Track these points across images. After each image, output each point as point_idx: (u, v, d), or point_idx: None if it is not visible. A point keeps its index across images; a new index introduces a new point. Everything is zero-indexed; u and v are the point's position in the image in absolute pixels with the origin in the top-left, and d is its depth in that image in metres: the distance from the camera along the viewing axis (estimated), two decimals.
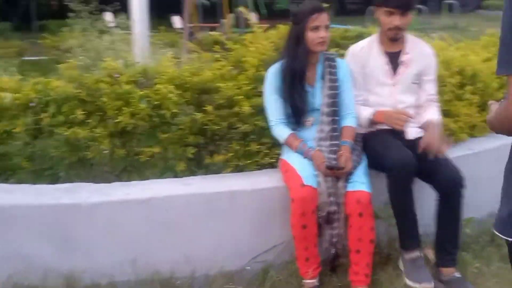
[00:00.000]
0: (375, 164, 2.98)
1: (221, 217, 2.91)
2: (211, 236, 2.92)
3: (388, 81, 3.09)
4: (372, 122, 3.09)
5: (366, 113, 3.07)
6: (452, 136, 3.44)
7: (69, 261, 2.79)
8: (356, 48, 3.17)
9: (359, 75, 3.10)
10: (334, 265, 2.99)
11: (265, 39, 3.58)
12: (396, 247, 3.09)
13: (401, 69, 3.10)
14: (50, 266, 2.76)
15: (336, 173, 2.81)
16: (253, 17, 15.63)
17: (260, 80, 3.26)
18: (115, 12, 6.27)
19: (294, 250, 2.90)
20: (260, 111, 3.15)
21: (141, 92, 3.11)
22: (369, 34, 3.44)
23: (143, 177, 3.13)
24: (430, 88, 3.16)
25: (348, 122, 3.02)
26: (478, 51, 4.26)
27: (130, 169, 3.18)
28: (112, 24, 6.48)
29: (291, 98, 2.94)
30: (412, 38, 3.18)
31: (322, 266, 2.93)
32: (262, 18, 19.17)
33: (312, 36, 2.89)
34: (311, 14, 2.88)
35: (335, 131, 2.96)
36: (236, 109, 3.13)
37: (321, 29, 2.89)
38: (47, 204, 2.77)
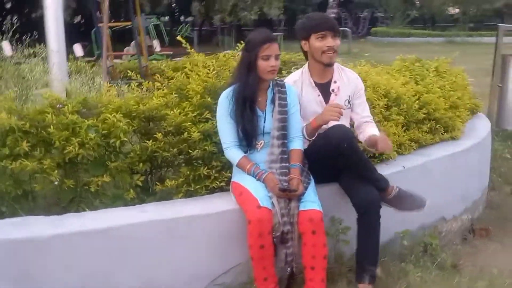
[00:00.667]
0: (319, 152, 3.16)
1: (179, 242, 2.94)
2: (171, 262, 2.93)
3: (321, 110, 3.25)
4: (312, 131, 3.22)
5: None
6: (383, 154, 3.70)
7: None
8: (289, 81, 3.33)
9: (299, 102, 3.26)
10: (289, 283, 3.09)
11: (203, 67, 3.67)
12: (343, 262, 3.26)
13: (332, 98, 3.31)
14: None
15: (289, 195, 2.94)
16: (156, 44, 15.62)
17: (204, 107, 3.36)
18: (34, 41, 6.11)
19: (251, 271, 2.98)
20: (207, 136, 3.23)
21: (89, 122, 3.09)
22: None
23: (92, 207, 3.10)
24: (362, 110, 3.40)
25: (296, 145, 3.16)
26: (394, 74, 4.59)
27: (79, 199, 3.14)
28: (9, 53, 6.32)
29: (243, 122, 3.04)
30: (338, 66, 3.41)
31: (279, 285, 3.02)
32: (164, 46, 19.28)
33: (263, 65, 3.03)
34: (263, 44, 3.02)
35: (285, 154, 3.10)
36: (185, 135, 3.17)
37: (271, 58, 3.02)
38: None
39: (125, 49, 14.77)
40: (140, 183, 3.22)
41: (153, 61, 8.38)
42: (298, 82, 3.32)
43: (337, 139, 3.06)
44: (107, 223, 2.83)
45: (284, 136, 3.10)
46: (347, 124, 3.37)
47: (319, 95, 3.32)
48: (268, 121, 3.10)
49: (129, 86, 3.85)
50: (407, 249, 3.59)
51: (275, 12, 32.74)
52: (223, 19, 30.87)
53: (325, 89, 3.33)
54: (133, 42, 16.74)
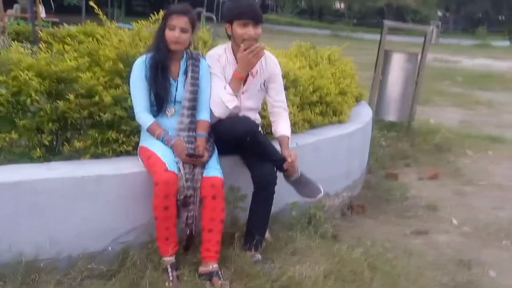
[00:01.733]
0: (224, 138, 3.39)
1: (86, 200, 3.05)
2: (76, 219, 3.03)
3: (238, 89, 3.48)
4: (237, 82, 3.41)
5: (227, 88, 3.40)
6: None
7: None
8: (214, 55, 3.48)
9: (221, 74, 3.44)
10: (188, 243, 3.31)
11: (114, 35, 3.76)
12: (238, 227, 3.53)
13: (249, 79, 3.53)
14: None
15: (195, 161, 3.15)
16: (42, 10, 15.03)
17: (116, 73, 3.46)
18: None
19: (152, 231, 3.17)
20: (118, 101, 3.35)
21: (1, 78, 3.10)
22: None
23: None
24: (276, 94, 3.63)
25: (204, 116, 3.36)
26: (292, 58, 4.91)
27: None
28: None
29: (155, 87, 3.20)
30: None
31: (178, 245, 3.23)
32: (50, 12, 18.51)
33: (168, 34, 3.21)
34: (171, 14, 3.21)
35: (193, 124, 3.30)
36: (96, 98, 3.27)
37: (176, 29, 3.20)
38: None
39: (8, 11, 14.11)
40: (47, 143, 3.28)
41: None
42: (222, 57, 3.48)
43: (241, 132, 3.33)
44: (17, 177, 2.89)
45: (193, 107, 3.29)
46: (259, 105, 3.65)
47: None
48: (180, 90, 3.27)
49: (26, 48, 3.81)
50: (295, 219, 3.92)
51: None
52: None
53: None
54: (16, 5, 16.04)
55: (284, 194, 3.60)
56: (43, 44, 3.76)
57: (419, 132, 7.53)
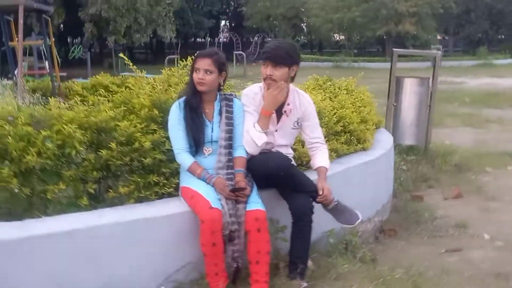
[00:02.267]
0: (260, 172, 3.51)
1: (136, 243, 3.17)
2: (129, 262, 3.16)
3: (271, 127, 3.65)
4: (265, 120, 3.54)
5: (256, 126, 3.53)
6: None
7: None
8: (250, 92, 3.66)
9: (255, 112, 3.60)
10: (236, 277, 3.41)
11: (146, 83, 3.94)
12: (281, 257, 3.63)
13: (283, 118, 3.69)
14: None
15: (238, 195, 3.27)
16: (47, 66, 15.45)
17: (151, 119, 3.62)
18: None
19: (201, 268, 3.29)
20: (156, 145, 3.50)
21: (44, 133, 3.25)
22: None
23: (45, 214, 3.26)
24: (311, 132, 3.78)
25: (240, 153, 3.52)
26: (312, 92, 5.07)
27: (36, 207, 3.29)
28: None
29: (192, 130, 3.37)
30: (293, 89, 3.75)
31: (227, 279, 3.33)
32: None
33: (194, 76, 3.41)
34: (196, 58, 3.43)
35: (231, 162, 3.44)
36: (136, 145, 3.42)
37: (200, 71, 3.39)
38: None
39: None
40: (92, 191, 3.42)
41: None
42: (259, 95, 3.65)
43: (273, 168, 3.48)
44: (71, 226, 3.02)
45: (230, 145, 3.45)
46: (292, 142, 3.83)
47: (273, 113, 3.65)
48: (215, 130, 3.43)
49: (46, 104, 3.97)
50: (332, 246, 4.02)
51: (169, 35, 33.06)
52: (117, 40, 30.67)
53: (279, 108, 3.66)
54: (23, 63, 16.43)
55: (321, 222, 3.70)
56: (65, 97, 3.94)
57: (437, 154, 7.62)
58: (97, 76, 6.63)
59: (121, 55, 4.07)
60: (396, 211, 5.41)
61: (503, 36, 46.84)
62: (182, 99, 3.42)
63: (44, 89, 7.26)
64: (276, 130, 3.68)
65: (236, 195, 3.28)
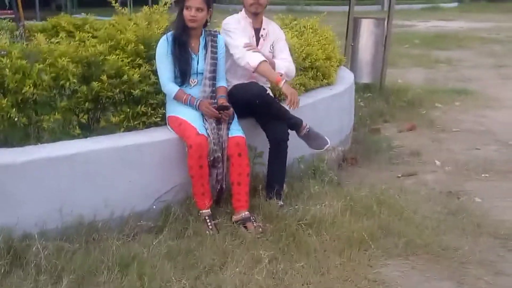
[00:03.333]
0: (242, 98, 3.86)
1: (130, 166, 3.48)
2: (123, 183, 3.46)
3: (253, 43, 4.01)
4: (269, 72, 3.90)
5: (258, 58, 3.85)
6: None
7: (2, 217, 3.09)
8: (234, 19, 4.03)
9: (244, 33, 3.97)
10: (219, 198, 3.77)
11: (127, 22, 4.16)
12: (259, 180, 3.99)
13: (261, 41, 4.06)
14: None
15: (222, 114, 3.60)
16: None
17: (137, 54, 3.86)
18: None
19: (188, 190, 3.63)
20: (144, 78, 3.75)
21: (39, 66, 3.46)
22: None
23: (41, 143, 3.51)
24: (281, 52, 4.16)
25: (222, 83, 3.85)
26: None
27: (31, 135, 3.53)
28: None
29: (179, 62, 3.64)
30: (266, 19, 4.15)
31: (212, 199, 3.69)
32: (4, 8, 18.39)
33: (185, 14, 3.65)
34: None
35: (214, 92, 3.76)
36: (125, 77, 3.66)
37: (192, 9, 3.64)
38: None
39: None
40: (84, 121, 3.67)
41: None
42: (241, 22, 4.02)
43: (250, 96, 3.81)
44: (69, 151, 3.30)
45: (214, 77, 3.76)
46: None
47: (253, 36, 4.06)
48: (200, 63, 3.72)
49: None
50: (303, 171, 4.41)
51: None
52: None
53: (256, 32, 4.07)
54: None
55: (292, 149, 4.05)
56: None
57: (391, 92, 8.10)
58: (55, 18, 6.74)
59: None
60: (356, 142, 5.85)
61: None
62: (169, 33, 3.68)
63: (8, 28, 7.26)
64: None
65: (220, 113, 3.59)
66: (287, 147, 3.92)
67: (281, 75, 3.89)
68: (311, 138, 4.01)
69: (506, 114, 7.32)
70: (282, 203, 3.86)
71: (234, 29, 3.95)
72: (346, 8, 7.98)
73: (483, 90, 8.87)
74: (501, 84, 9.05)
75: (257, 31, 4.08)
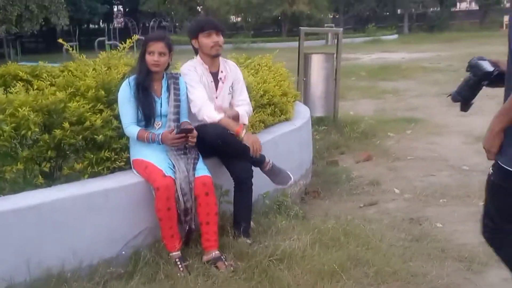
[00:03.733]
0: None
1: (96, 213, 3.44)
2: (90, 231, 3.41)
3: (213, 94, 4.04)
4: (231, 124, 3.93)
5: (216, 116, 3.90)
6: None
7: None
8: (190, 67, 4.02)
9: (201, 82, 3.98)
10: (188, 238, 3.76)
11: (85, 67, 4.16)
12: (226, 218, 4.01)
13: (220, 85, 4.09)
14: None
15: (186, 138, 3.62)
16: None
17: (97, 99, 3.86)
18: None
19: (156, 233, 3.61)
20: (106, 123, 3.75)
21: (0, 116, 3.42)
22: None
23: (4, 193, 3.45)
24: (239, 94, 4.20)
25: (184, 119, 3.89)
26: None
27: None
28: None
29: (142, 105, 3.67)
30: (222, 59, 4.19)
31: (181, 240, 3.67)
32: None
33: (148, 59, 3.69)
34: (149, 41, 3.69)
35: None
36: (87, 123, 3.65)
37: (155, 54, 3.68)
38: None
39: None
40: (47, 170, 3.62)
41: None
42: (198, 68, 4.02)
43: (212, 137, 3.81)
44: (35, 201, 3.24)
45: (178, 119, 3.79)
46: (228, 105, 4.17)
47: (212, 82, 4.06)
48: (164, 106, 3.75)
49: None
50: (268, 207, 4.45)
51: (63, 22, 32.06)
52: (7, 29, 29.31)
53: (214, 77, 4.09)
54: None
55: (257, 186, 4.09)
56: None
57: (345, 124, 8.28)
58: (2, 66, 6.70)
59: (66, 45, 4.25)
60: (316, 175, 5.94)
61: (388, 13, 49.25)
62: (131, 78, 3.69)
63: None
64: (216, 97, 4.06)
65: (184, 137, 3.61)
66: (251, 185, 3.96)
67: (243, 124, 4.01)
68: (275, 174, 4.06)
69: (454, 140, 7.59)
70: (251, 241, 3.87)
71: (190, 80, 3.95)
72: (291, 43, 8.24)
73: (431, 117, 9.19)
74: (446, 111, 9.37)
75: (214, 74, 4.10)
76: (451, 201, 5.09)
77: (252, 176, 3.96)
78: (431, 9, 49.42)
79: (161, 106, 3.75)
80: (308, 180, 5.62)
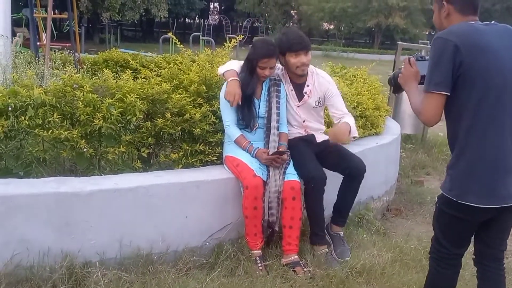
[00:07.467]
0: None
1: (188, 202, 3.58)
2: (180, 219, 3.56)
3: (293, 103, 4.05)
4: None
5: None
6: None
7: (66, 244, 3.21)
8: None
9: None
10: (270, 239, 3.84)
11: (192, 61, 4.33)
12: (308, 224, 4.05)
13: (305, 98, 4.04)
14: (49, 248, 3.16)
15: (277, 160, 3.69)
16: (44, 38, 15.65)
17: (198, 94, 4.00)
18: None
19: (240, 229, 3.72)
20: (204, 117, 3.88)
21: (109, 100, 3.62)
22: None
23: (105, 173, 3.65)
24: (337, 109, 4.06)
25: (284, 129, 3.98)
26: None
27: (96, 166, 3.68)
28: None
29: (243, 110, 3.77)
30: (312, 71, 4.08)
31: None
32: (53, 40, 19.10)
33: (259, 72, 3.79)
34: (263, 58, 3.76)
35: (277, 136, 3.89)
36: (186, 116, 3.80)
37: (266, 69, 3.79)
38: (49, 193, 3.17)
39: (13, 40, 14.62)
40: (145, 155, 3.80)
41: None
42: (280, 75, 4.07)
43: (309, 176, 3.76)
44: (136, 183, 3.42)
45: (279, 121, 3.91)
46: (319, 116, 4.20)
47: (292, 90, 4.04)
48: (262, 107, 3.85)
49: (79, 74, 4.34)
50: (349, 219, 4.45)
51: (162, 14, 33.18)
52: (111, 16, 30.66)
53: (299, 89, 4.05)
54: (19, 33, 16.61)
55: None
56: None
57: (433, 144, 8.12)
58: (106, 51, 7.16)
59: (170, 34, 4.43)
60: (399, 193, 5.87)
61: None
62: None
63: (62, 60, 7.54)
64: (298, 106, 4.05)
65: (276, 158, 3.69)
66: (362, 179, 3.98)
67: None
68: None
69: None
70: (342, 234, 3.95)
71: None
72: (382, 56, 8.23)
73: None
74: None
75: (299, 86, 4.05)
76: None
77: (364, 171, 3.96)
78: None
79: (259, 108, 3.85)
80: (392, 197, 5.56)
